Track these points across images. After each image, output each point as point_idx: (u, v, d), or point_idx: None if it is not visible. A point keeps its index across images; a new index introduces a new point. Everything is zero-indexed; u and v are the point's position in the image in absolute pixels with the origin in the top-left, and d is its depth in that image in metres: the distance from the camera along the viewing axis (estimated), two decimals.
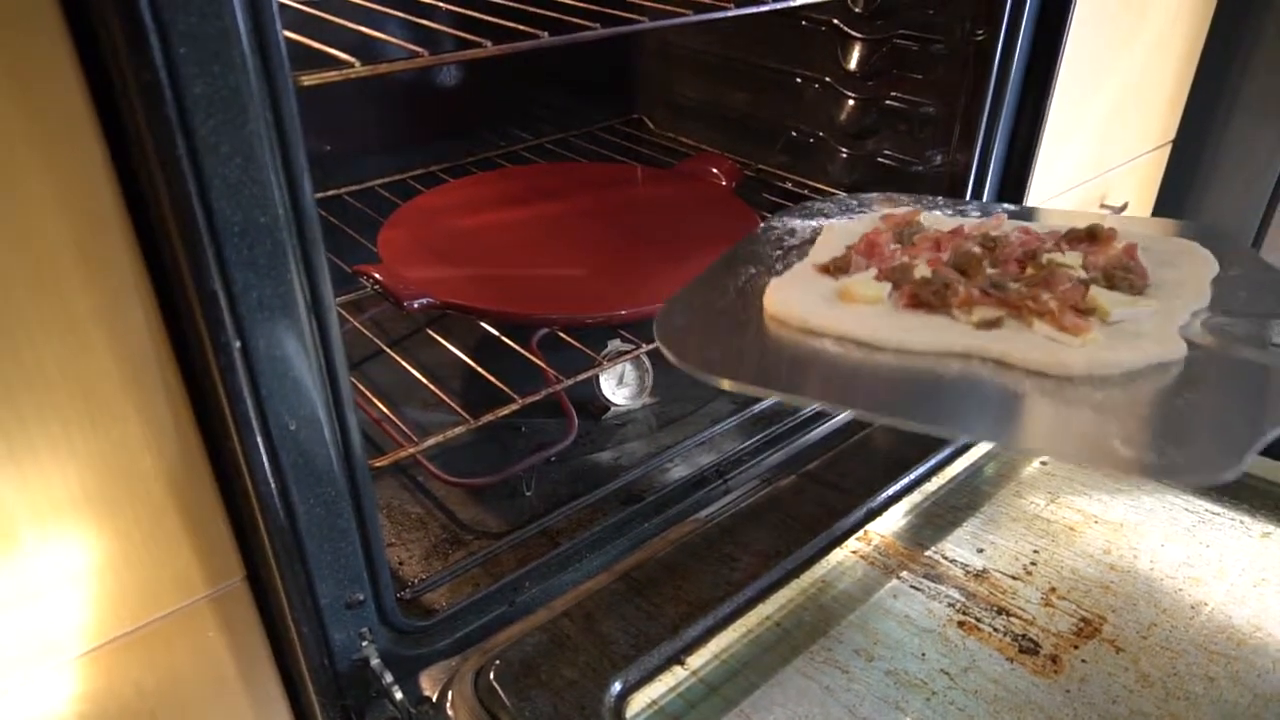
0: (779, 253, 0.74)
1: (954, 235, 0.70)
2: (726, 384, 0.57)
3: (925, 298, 0.62)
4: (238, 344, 0.47)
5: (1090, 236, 0.67)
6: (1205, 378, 0.54)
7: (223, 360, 0.47)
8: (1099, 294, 0.59)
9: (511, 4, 0.74)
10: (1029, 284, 0.61)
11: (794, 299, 0.64)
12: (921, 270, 0.65)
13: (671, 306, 0.65)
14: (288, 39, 0.62)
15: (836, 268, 0.68)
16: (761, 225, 0.79)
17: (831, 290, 0.65)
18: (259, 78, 0.44)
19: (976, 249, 0.67)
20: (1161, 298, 0.60)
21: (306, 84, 0.50)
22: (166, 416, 0.49)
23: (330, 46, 0.59)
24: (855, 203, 0.83)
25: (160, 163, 0.42)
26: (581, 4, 0.71)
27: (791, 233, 0.77)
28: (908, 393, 0.56)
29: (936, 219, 0.76)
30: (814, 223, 0.78)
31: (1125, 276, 0.61)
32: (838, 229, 0.75)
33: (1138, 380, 0.53)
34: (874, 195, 0.84)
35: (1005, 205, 0.82)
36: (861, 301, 0.63)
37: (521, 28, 0.62)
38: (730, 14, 0.73)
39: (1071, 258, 0.64)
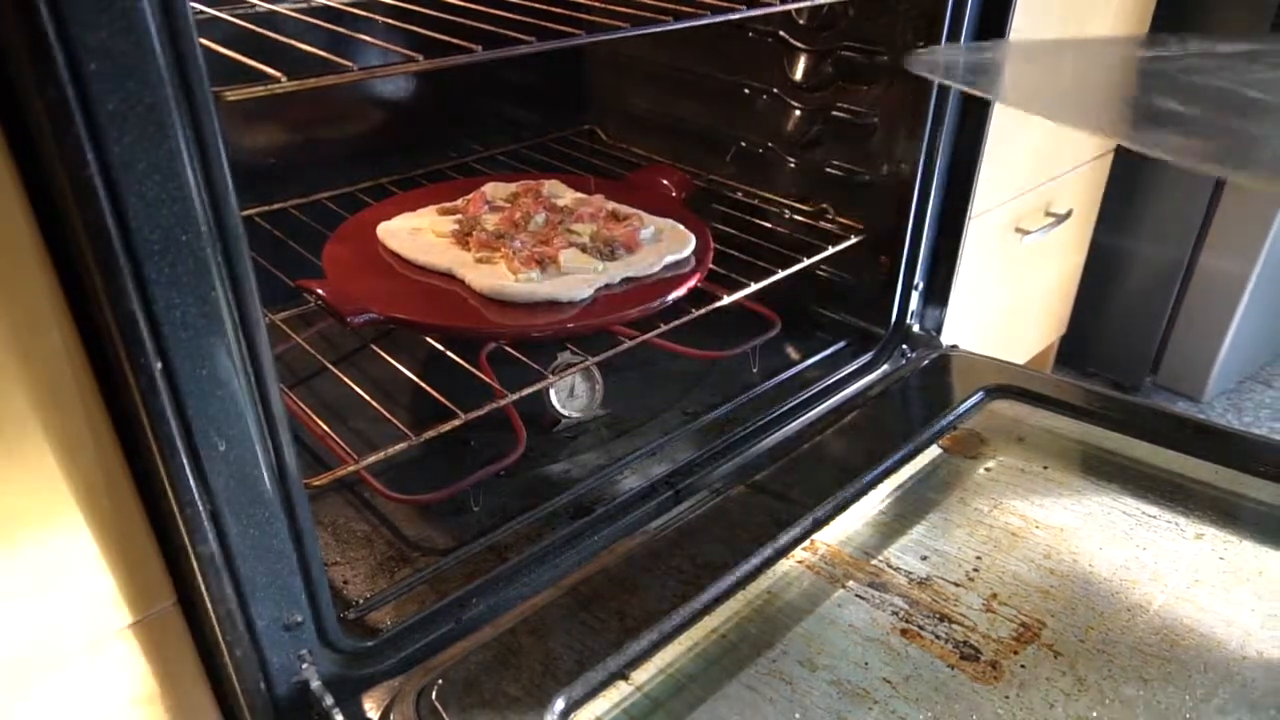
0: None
1: (537, 203, 0.98)
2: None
3: (457, 237, 0.91)
4: (159, 365, 0.46)
5: (613, 216, 0.97)
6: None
7: (143, 382, 0.46)
8: (570, 254, 0.87)
9: (452, 18, 0.73)
10: (537, 239, 0.91)
11: (392, 225, 0.93)
12: (486, 221, 0.94)
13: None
14: (218, 54, 0.61)
15: (447, 211, 0.96)
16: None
17: (426, 225, 0.93)
18: (177, 92, 0.43)
19: (540, 213, 0.95)
20: (614, 263, 0.89)
21: (230, 99, 0.49)
22: (87, 441, 0.48)
23: (270, 61, 0.58)
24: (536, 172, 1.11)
25: (70, 181, 0.41)
26: (521, 17, 0.71)
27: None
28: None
29: (559, 190, 1.05)
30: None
31: (601, 247, 0.89)
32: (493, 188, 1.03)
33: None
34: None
35: None
36: (430, 233, 0.92)
37: (457, 41, 0.61)
38: (669, 28, 0.73)
39: (584, 228, 0.92)
